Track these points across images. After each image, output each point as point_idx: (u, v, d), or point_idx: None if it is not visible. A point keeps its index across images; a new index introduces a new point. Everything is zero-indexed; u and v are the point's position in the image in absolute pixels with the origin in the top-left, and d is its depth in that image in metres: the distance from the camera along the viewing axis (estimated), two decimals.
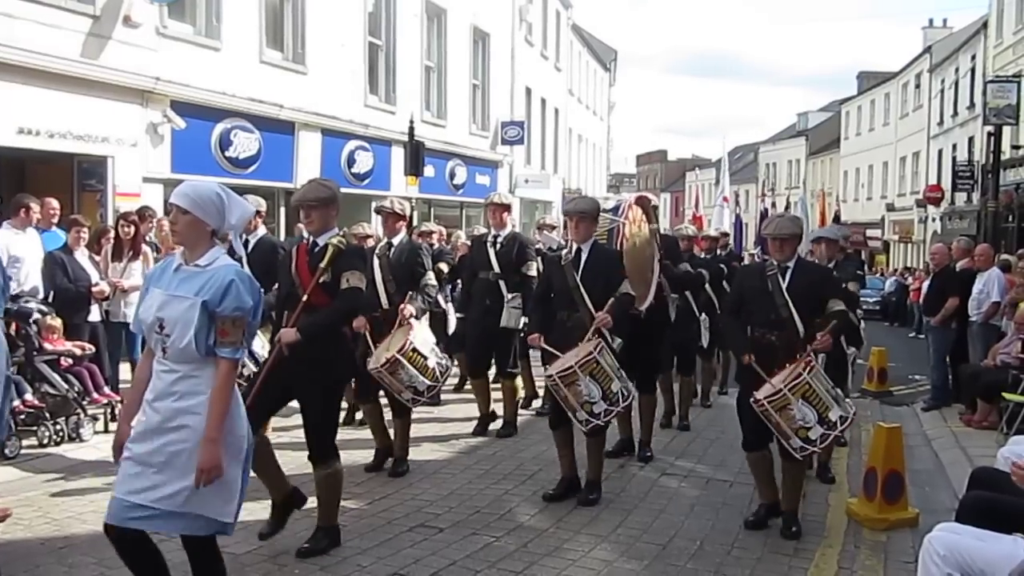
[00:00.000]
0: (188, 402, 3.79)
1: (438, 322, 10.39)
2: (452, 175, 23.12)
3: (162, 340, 3.80)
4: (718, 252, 11.71)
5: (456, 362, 11.84)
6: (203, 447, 3.72)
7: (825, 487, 7.34)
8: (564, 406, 6.45)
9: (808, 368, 5.76)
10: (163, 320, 3.78)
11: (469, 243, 11.61)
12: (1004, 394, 8.97)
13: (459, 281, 11.17)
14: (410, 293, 7.27)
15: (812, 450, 5.95)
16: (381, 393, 7.41)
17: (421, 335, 7.14)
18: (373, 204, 14.32)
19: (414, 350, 6.91)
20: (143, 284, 4.10)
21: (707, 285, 10.00)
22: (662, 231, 9.03)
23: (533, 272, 8.48)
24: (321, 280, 5.32)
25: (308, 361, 5.23)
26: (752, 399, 5.81)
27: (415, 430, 8.14)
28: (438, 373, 7.10)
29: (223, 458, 3.75)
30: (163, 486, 3.72)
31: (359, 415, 8.73)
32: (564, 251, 6.94)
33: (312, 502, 5.58)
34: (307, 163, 16.29)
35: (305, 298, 5.30)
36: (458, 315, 10.74)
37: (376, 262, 7.32)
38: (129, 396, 4.18)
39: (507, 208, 8.83)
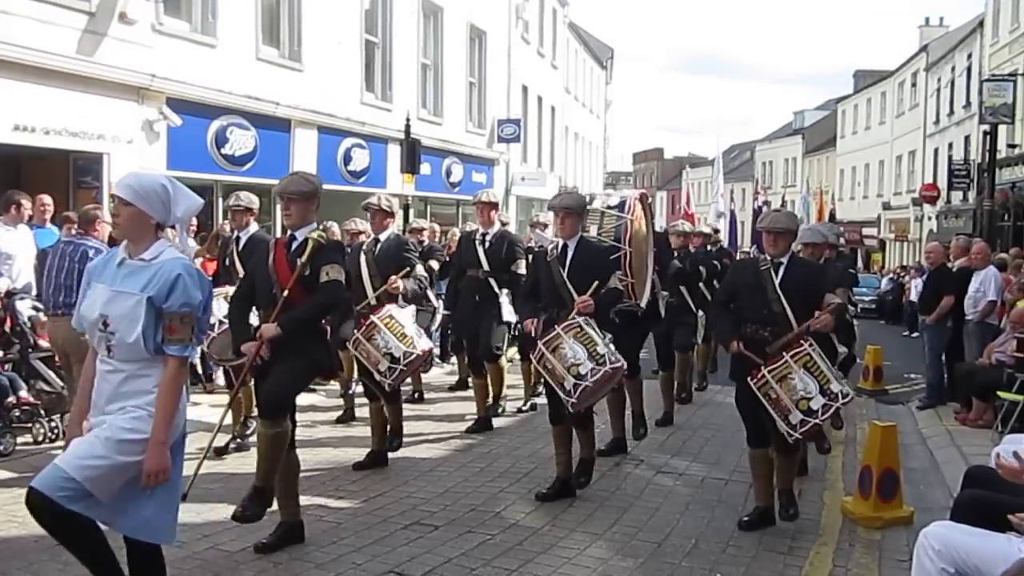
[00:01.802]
0: (136, 401, 3.68)
1: (425, 318, 10.40)
2: (448, 173, 23.10)
3: (106, 338, 3.67)
4: (709, 248, 11.71)
5: (455, 362, 11.89)
6: (150, 449, 3.61)
7: (820, 485, 7.34)
8: (552, 381, 6.35)
9: (808, 343, 5.78)
10: (107, 317, 3.65)
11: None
12: (999, 392, 8.99)
13: (450, 279, 11.20)
14: (398, 279, 7.24)
15: (813, 423, 5.83)
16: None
17: (401, 313, 7.19)
18: None
19: (391, 317, 6.94)
20: (84, 278, 3.95)
21: (700, 282, 10.00)
22: (656, 228, 9.04)
23: (522, 270, 8.49)
24: (300, 274, 5.26)
25: (285, 348, 5.20)
26: (749, 376, 5.81)
27: (409, 428, 8.16)
28: (415, 342, 7.06)
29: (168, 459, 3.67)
30: (111, 482, 3.64)
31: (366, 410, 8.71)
32: (551, 247, 6.92)
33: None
34: (303, 160, 16.26)
35: (286, 294, 5.23)
36: (445, 311, 10.76)
37: (362, 257, 7.34)
38: (77, 398, 4.03)
39: (495, 206, 8.85)
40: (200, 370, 10.11)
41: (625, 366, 6.58)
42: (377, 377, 7.11)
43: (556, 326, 6.30)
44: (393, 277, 7.12)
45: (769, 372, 5.73)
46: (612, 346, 6.40)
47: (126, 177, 3.82)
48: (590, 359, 6.21)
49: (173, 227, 3.88)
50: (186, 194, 3.88)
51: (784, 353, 5.73)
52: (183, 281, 3.65)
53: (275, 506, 5.49)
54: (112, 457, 3.61)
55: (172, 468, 3.74)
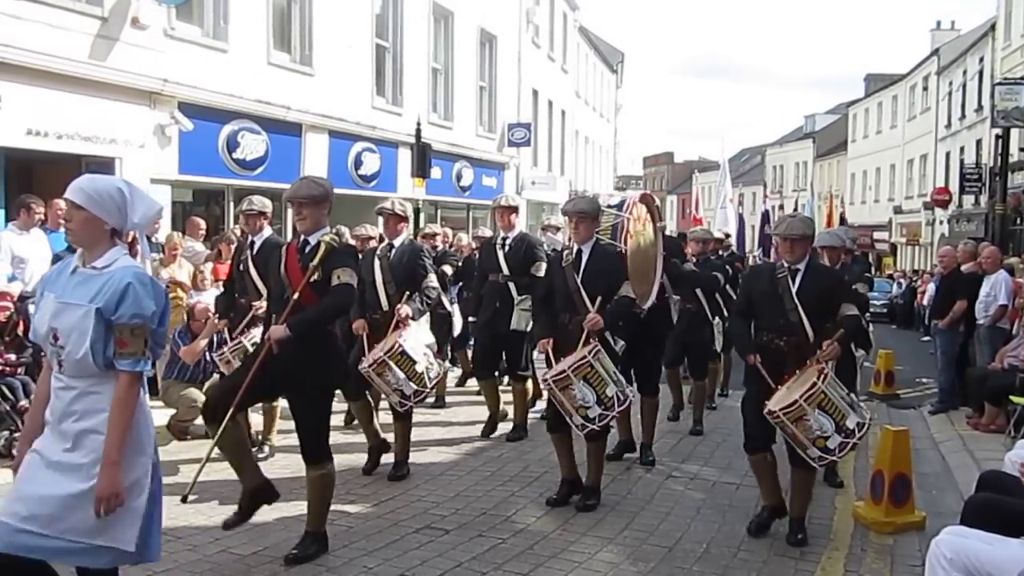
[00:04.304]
0: (89, 422, 3.45)
1: (442, 324, 10.38)
2: (459, 177, 23.12)
3: (57, 352, 3.45)
4: (721, 253, 11.65)
5: (458, 359, 11.88)
6: (102, 471, 3.37)
7: (832, 490, 7.32)
8: (561, 410, 6.37)
9: (822, 376, 5.62)
10: (57, 330, 3.43)
11: (474, 244, 11.62)
12: (1011, 397, 8.96)
13: (461, 283, 11.19)
14: (407, 293, 7.21)
15: (831, 459, 5.85)
16: (383, 398, 7.42)
17: (415, 338, 7.11)
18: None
19: (402, 353, 6.86)
20: (39, 287, 3.74)
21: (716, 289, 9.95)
22: (667, 232, 9.00)
23: (542, 272, 8.44)
24: (312, 279, 5.23)
25: (299, 362, 5.15)
26: (766, 410, 5.68)
27: (420, 433, 8.15)
28: (426, 379, 7.01)
29: (126, 480, 3.43)
30: (68, 516, 3.39)
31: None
32: (565, 252, 6.87)
33: (293, 506, 5.50)
34: (314, 165, 16.29)
35: (296, 296, 5.21)
36: (470, 319, 10.73)
37: (376, 263, 7.32)
38: (29, 415, 3.83)
39: (515, 210, 8.82)
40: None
41: (632, 398, 6.56)
42: (389, 400, 7.15)
43: (565, 366, 6.21)
44: (399, 307, 7.10)
45: (784, 414, 5.59)
46: (620, 376, 6.36)
47: (79, 180, 3.58)
48: (598, 403, 6.20)
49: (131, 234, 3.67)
50: (144, 198, 3.68)
51: (799, 398, 5.57)
52: (134, 290, 3.41)
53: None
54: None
55: (149, 486, 3.57)
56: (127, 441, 3.46)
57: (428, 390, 7.22)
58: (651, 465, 7.90)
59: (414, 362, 6.93)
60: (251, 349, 7.35)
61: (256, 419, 8.10)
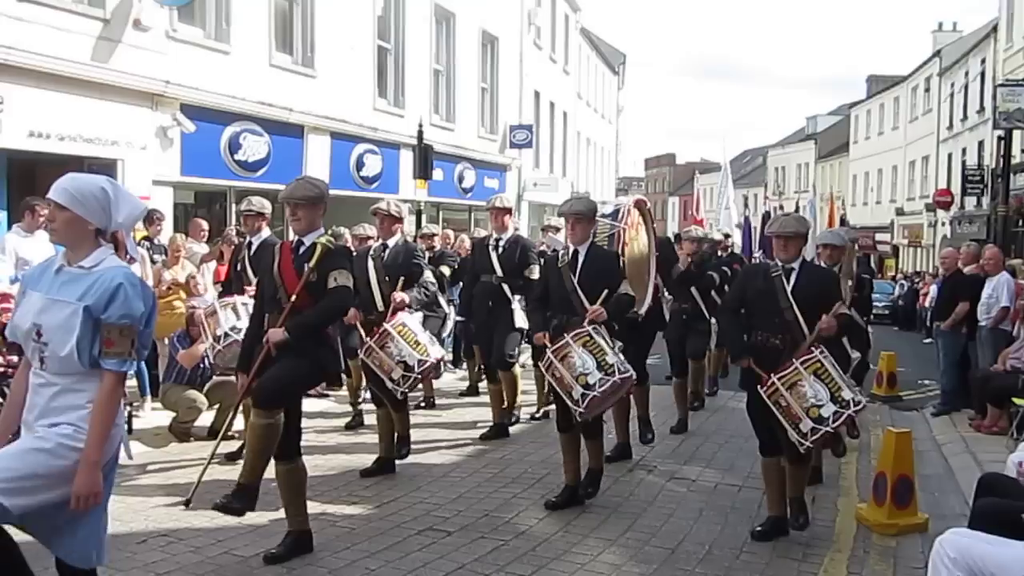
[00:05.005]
0: (68, 416, 3.44)
1: (435, 324, 10.38)
2: (461, 178, 23.13)
3: (39, 349, 3.44)
4: (720, 254, 11.66)
5: (468, 368, 11.88)
6: (81, 470, 3.36)
7: (834, 492, 7.31)
8: (560, 390, 6.30)
9: (819, 350, 5.70)
10: (41, 327, 3.42)
11: (470, 246, 11.64)
12: (1014, 399, 8.95)
13: (461, 284, 11.20)
14: (402, 278, 7.22)
15: (824, 431, 5.70)
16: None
17: (413, 320, 7.21)
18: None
19: (403, 324, 6.93)
20: (20, 286, 3.71)
21: (713, 289, 9.97)
22: (658, 234, 8.99)
23: (535, 275, 8.44)
24: (308, 280, 5.24)
25: (291, 352, 5.18)
26: (759, 383, 5.73)
27: (423, 434, 8.17)
28: (428, 350, 7.06)
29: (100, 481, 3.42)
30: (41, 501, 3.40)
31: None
32: (561, 253, 6.86)
33: None
34: (316, 166, 16.30)
35: (292, 299, 5.22)
36: (459, 318, 10.75)
37: (370, 263, 7.33)
38: (4, 412, 3.81)
39: (508, 211, 8.84)
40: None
41: (634, 376, 6.51)
42: (389, 385, 7.09)
43: (566, 334, 6.25)
44: (395, 293, 7.11)
45: (779, 379, 5.64)
46: (621, 355, 6.33)
47: (62, 180, 3.55)
48: (599, 369, 6.15)
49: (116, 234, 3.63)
50: (128, 198, 3.66)
51: (794, 360, 5.64)
52: (124, 291, 3.42)
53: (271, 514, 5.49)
54: (31, 469, 3.37)
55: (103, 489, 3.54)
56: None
57: (431, 361, 7.20)
58: (649, 443, 7.91)
59: (416, 333, 7.02)
60: (243, 313, 7.28)
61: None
